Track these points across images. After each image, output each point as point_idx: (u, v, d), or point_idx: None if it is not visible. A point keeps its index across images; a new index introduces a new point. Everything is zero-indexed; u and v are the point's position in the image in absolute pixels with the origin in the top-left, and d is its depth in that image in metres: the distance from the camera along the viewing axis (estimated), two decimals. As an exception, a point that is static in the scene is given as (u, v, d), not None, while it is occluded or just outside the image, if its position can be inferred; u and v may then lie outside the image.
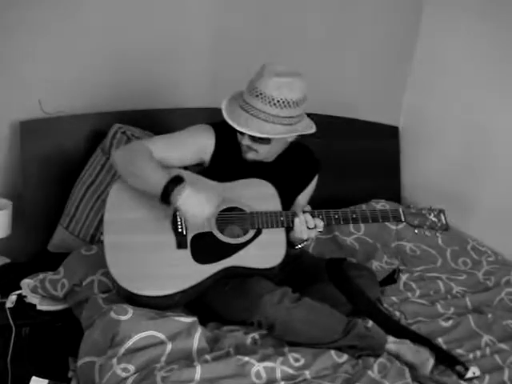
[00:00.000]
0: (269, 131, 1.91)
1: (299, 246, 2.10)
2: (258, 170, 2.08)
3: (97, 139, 2.50)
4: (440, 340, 2.06)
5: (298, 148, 2.16)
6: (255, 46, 2.77)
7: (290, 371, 1.76)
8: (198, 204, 1.86)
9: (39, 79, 2.41)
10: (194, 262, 1.91)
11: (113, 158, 1.98)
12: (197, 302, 1.99)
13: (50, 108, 2.46)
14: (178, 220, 1.93)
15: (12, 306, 2.15)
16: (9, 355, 2.06)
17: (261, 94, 1.88)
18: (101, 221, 2.30)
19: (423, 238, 2.67)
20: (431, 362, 1.88)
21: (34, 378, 1.77)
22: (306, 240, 2.07)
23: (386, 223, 2.78)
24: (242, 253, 1.96)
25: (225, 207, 2.00)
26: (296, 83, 1.90)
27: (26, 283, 2.20)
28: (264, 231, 2.00)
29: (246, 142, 1.98)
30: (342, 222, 2.05)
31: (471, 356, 1.99)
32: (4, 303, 2.16)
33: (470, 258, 2.72)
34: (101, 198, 2.37)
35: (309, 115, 2.06)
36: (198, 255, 1.92)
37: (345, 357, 1.88)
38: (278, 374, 1.74)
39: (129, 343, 1.73)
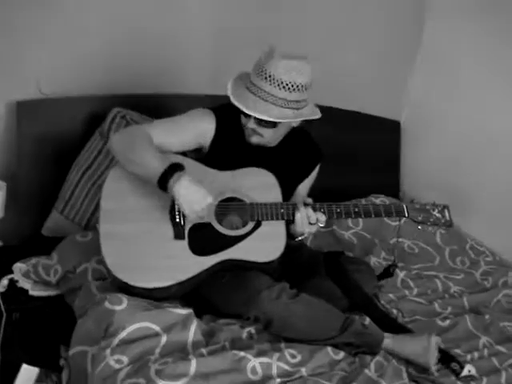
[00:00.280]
0: (276, 115, 1.87)
1: (299, 239, 2.06)
2: (259, 156, 2.04)
3: (95, 122, 2.45)
4: (437, 340, 2.04)
5: (300, 135, 2.12)
6: (258, 34, 2.67)
7: (286, 368, 1.73)
8: (194, 193, 1.80)
9: (38, 60, 2.35)
10: (192, 254, 1.87)
11: (110, 143, 1.92)
12: (193, 294, 1.95)
13: (47, 89, 2.40)
14: (176, 210, 1.88)
15: (3, 290, 2.10)
16: (-1, 341, 2.02)
17: (269, 76, 1.83)
18: (97, 206, 2.26)
19: (422, 235, 2.70)
20: (435, 354, 1.86)
21: (24, 366, 1.73)
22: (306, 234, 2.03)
23: (385, 219, 2.75)
24: (240, 245, 1.91)
25: (224, 197, 1.96)
26: (305, 67, 1.86)
27: (18, 267, 2.15)
28: (264, 223, 1.96)
29: (251, 125, 1.93)
30: (343, 216, 2.00)
31: (469, 357, 1.97)
32: (-5, 287, 2.11)
33: (468, 258, 2.70)
34: (97, 183, 2.32)
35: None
36: (195, 247, 1.88)
37: (341, 354, 1.85)
38: (274, 371, 1.70)
39: (123, 334, 1.69)
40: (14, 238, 2.39)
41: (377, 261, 2.51)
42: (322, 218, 1.96)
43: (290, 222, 1.99)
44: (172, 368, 1.60)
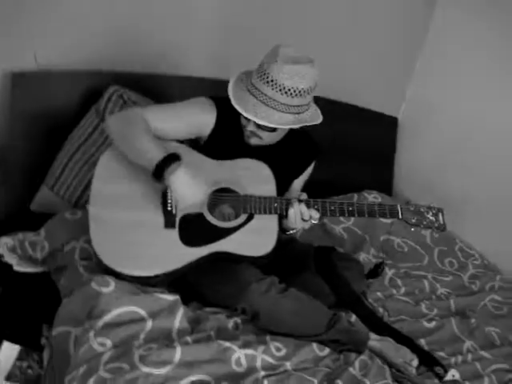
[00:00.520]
0: (277, 120, 1.82)
1: (290, 233, 2.05)
2: (256, 150, 2.01)
3: (91, 99, 2.40)
4: (422, 341, 2.05)
5: (297, 131, 2.08)
6: (263, 22, 2.67)
7: (271, 361, 1.72)
8: (189, 187, 1.78)
9: (37, 31, 2.29)
10: (181, 244, 1.84)
11: (107, 124, 1.88)
12: (181, 280, 1.92)
13: (45, 61, 2.34)
14: (169, 198, 1.84)
15: (-13, 264, 2.07)
16: (-20, 316, 1.99)
17: (272, 81, 1.78)
18: (87, 185, 2.23)
19: (412, 234, 2.70)
20: (415, 362, 1.86)
21: (5, 343, 1.70)
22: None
23: (377, 215, 2.73)
24: (231, 238, 1.89)
25: (218, 187, 1.93)
26: (309, 71, 1.80)
27: (4, 242, 2.10)
28: (256, 216, 1.93)
29: (250, 127, 1.90)
30: (337, 214, 1.97)
31: (453, 360, 1.98)
32: (-21, 262, 2.07)
33: (457, 260, 2.70)
34: (90, 161, 2.28)
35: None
36: (185, 237, 1.85)
37: (326, 350, 1.84)
38: (259, 363, 1.69)
39: (108, 317, 1.67)
40: (2, 212, 2.34)
41: (366, 257, 2.50)
42: (316, 215, 1.93)
43: (282, 217, 1.96)
44: (156, 355, 1.58)
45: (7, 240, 2.11)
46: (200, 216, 1.89)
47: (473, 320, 2.21)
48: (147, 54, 2.53)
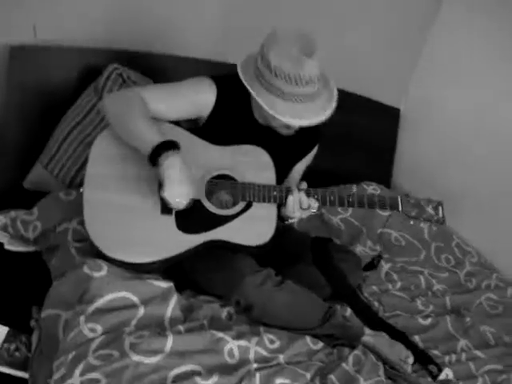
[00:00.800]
0: (321, 110, 1.81)
1: (288, 222, 2.01)
2: (256, 134, 1.96)
3: (90, 76, 2.34)
4: (417, 338, 2.02)
5: None
6: (268, 5, 2.60)
7: (264, 353, 1.69)
8: (180, 177, 1.70)
9: (38, 3, 2.22)
10: (178, 231, 1.80)
11: (103, 104, 1.81)
12: (175, 266, 1.89)
13: (44, 36, 2.28)
14: None
15: (-23, 242, 2.02)
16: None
17: (301, 78, 1.73)
18: (82, 165, 2.18)
19: (410, 228, 2.67)
20: (411, 360, 1.83)
21: (-7, 324, 1.67)
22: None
23: (375, 208, 2.70)
24: (229, 226, 1.85)
25: (216, 174, 1.89)
26: (319, 49, 1.76)
27: (-4, 219, 2.07)
28: (255, 205, 1.89)
29: (282, 122, 1.85)
30: (336, 205, 1.94)
31: (446, 359, 1.95)
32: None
33: (454, 256, 2.67)
34: (86, 141, 2.23)
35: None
36: (182, 223, 1.81)
37: (320, 344, 1.81)
38: (252, 355, 1.66)
39: (99, 302, 1.63)
40: (-6, 189, 2.30)
41: (362, 250, 2.46)
42: (315, 204, 1.90)
43: (281, 205, 1.93)
44: (147, 343, 1.55)
45: (-1, 217, 2.06)
46: (198, 202, 1.84)
47: (468, 319, 2.18)
48: (149, 33, 2.47)
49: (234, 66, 1.86)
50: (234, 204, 1.89)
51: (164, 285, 1.76)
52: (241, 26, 2.56)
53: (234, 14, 2.60)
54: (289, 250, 2.10)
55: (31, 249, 2.04)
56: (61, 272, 1.79)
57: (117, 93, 1.96)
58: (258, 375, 1.60)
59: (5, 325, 1.72)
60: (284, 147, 2.01)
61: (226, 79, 1.89)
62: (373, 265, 2.39)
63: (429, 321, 2.13)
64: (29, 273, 1.99)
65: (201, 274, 1.87)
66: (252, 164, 1.94)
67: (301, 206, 1.88)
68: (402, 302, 2.21)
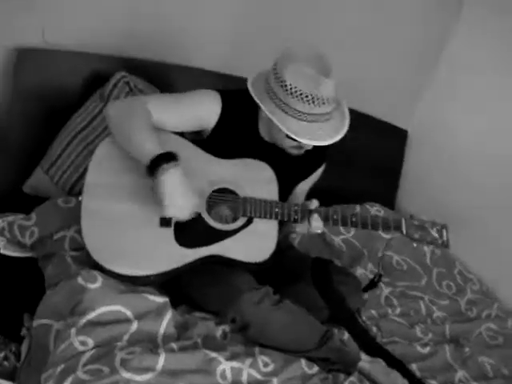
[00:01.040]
0: (337, 128, 1.80)
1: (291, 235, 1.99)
2: (260, 150, 1.93)
3: (97, 83, 2.31)
4: (414, 366, 1.97)
5: None
6: (280, 22, 2.59)
7: (258, 376, 1.64)
8: (180, 190, 1.67)
9: (48, 7, 2.20)
10: (176, 244, 1.77)
11: (107, 111, 1.78)
12: (172, 281, 1.85)
13: (52, 40, 2.26)
14: None
15: (-27, 244, 1.99)
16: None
17: (320, 98, 1.71)
18: (83, 173, 2.14)
19: (412, 252, 2.63)
20: None
21: (-17, 331, 1.63)
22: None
23: (378, 230, 2.66)
24: (228, 241, 1.82)
25: (218, 187, 1.86)
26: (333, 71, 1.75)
27: (-7, 223, 2.03)
28: (255, 220, 1.86)
29: (293, 143, 1.84)
30: (339, 224, 1.91)
31: (443, 390, 1.91)
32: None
33: (455, 283, 2.63)
34: (88, 149, 2.20)
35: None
36: (180, 237, 1.78)
37: (315, 369, 1.76)
38: (245, 377, 1.62)
39: (91, 315, 1.60)
40: (-6, 191, 2.27)
41: (363, 273, 2.43)
42: (321, 225, 1.88)
43: (282, 223, 1.90)
44: (139, 360, 1.51)
45: (-4, 221, 2.03)
46: (197, 216, 1.81)
47: (467, 349, 2.14)
48: (159, 42, 2.44)
49: (244, 79, 1.84)
50: (235, 219, 1.86)
51: (159, 300, 1.72)
52: (253, 41, 2.53)
53: (246, 29, 2.58)
54: (288, 269, 2.06)
55: (27, 254, 2.01)
56: (55, 281, 1.76)
57: (121, 101, 1.93)
58: (250, 399, 1.56)
59: (-4, 332, 1.68)
60: (288, 165, 1.98)
61: (233, 94, 1.87)
62: (373, 283, 2.33)
63: (427, 349, 2.09)
64: (23, 279, 1.96)
65: (196, 288, 1.84)
66: (254, 179, 1.91)
67: (312, 228, 1.87)
68: (401, 328, 2.17)
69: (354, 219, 1.91)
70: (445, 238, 1.97)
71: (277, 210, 1.86)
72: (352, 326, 2.00)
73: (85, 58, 2.32)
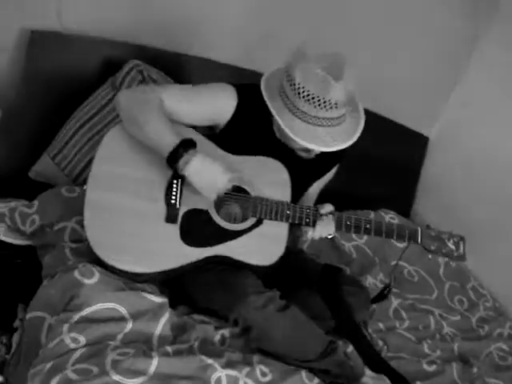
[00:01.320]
0: (351, 133, 1.72)
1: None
2: (274, 148, 1.85)
3: (110, 70, 2.26)
4: (419, 384, 1.89)
5: None
6: (302, 21, 2.50)
7: (254, 387, 1.57)
8: (210, 174, 1.64)
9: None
10: (181, 242, 1.70)
11: (117, 100, 1.71)
12: (175, 279, 1.79)
13: (68, 24, 2.20)
14: (174, 189, 1.69)
15: (-27, 229, 1.94)
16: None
17: (335, 104, 1.63)
18: (90, 161, 2.06)
19: (425, 263, 2.54)
20: None
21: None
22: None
23: (392, 238, 2.58)
24: (236, 242, 1.75)
25: (234, 176, 1.77)
26: (351, 75, 1.65)
27: (-4, 208, 1.98)
28: (265, 222, 1.79)
29: (301, 146, 1.75)
30: (352, 230, 1.85)
31: (449, 412, 1.83)
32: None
33: (468, 298, 2.53)
34: (97, 137, 2.13)
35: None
36: (186, 235, 1.71)
37: (315, 381, 1.68)
38: (240, 387, 1.55)
39: (86, 311, 1.54)
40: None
41: (373, 282, 2.35)
42: (332, 230, 1.83)
43: (298, 225, 1.83)
44: (130, 362, 1.44)
45: (-1, 205, 1.98)
46: (205, 214, 1.74)
47: (475, 369, 2.04)
48: (176, 32, 2.38)
49: (260, 74, 1.78)
50: (244, 219, 1.79)
51: (158, 300, 1.66)
52: (271, 36, 2.46)
53: (265, 23, 2.50)
54: (296, 274, 1.99)
55: (27, 242, 1.96)
56: (52, 272, 1.70)
57: (133, 89, 1.87)
58: (244, 410, 1.50)
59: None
60: (301, 165, 1.90)
61: (249, 89, 1.79)
62: (383, 296, 2.24)
63: (434, 367, 1.99)
64: (22, 267, 1.91)
65: (200, 289, 1.77)
66: (267, 178, 1.83)
67: (322, 233, 1.82)
68: (408, 344, 2.08)
69: (367, 226, 1.84)
70: (461, 251, 1.92)
71: (288, 212, 1.79)
72: (357, 339, 1.91)
73: (99, 44, 2.26)
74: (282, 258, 1.79)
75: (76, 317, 1.52)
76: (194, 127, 1.82)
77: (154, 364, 1.46)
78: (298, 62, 1.64)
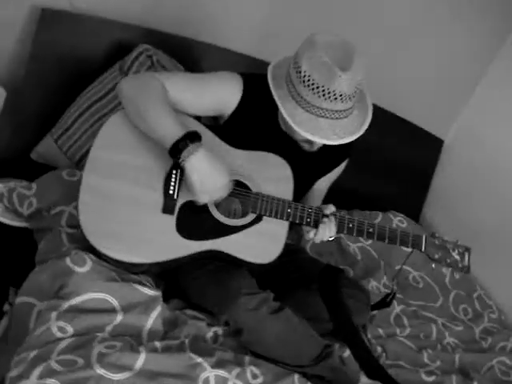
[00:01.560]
0: (356, 127, 1.65)
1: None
2: (278, 142, 1.79)
3: (119, 53, 2.20)
4: (416, 396, 1.84)
5: None
6: (319, 13, 2.43)
7: (243, 389, 1.52)
8: (211, 171, 1.58)
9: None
10: (177, 234, 1.65)
11: (120, 88, 1.65)
12: (169, 272, 1.75)
13: (80, 3, 2.15)
14: (173, 179, 1.64)
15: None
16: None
17: (341, 95, 1.56)
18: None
19: (432, 269, 2.47)
20: None
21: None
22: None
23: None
24: (233, 238, 1.70)
25: (234, 178, 1.73)
26: (360, 65, 1.57)
27: (-6, 187, 1.94)
28: (265, 219, 1.74)
29: (303, 137, 1.68)
30: (354, 234, 1.79)
31: (445, 426, 1.77)
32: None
33: (472, 308, 2.47)
34: (102, 121, 2.08)
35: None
36: (183, 227, 1.66)
37: (308, 386, 1.64)
38: (229, 389, 1.50)
39: (75, 300, 1.50)
40: (2, 154, 2.17)
41: (376, 286, 2.29)
42: (333, 232, 1.77)
43: (293, 224, 1.77)
44: (117, 357, 1.40)
45: (-2, 185, 1.94)
46: (203, 207, 1.69)
47: (475, 383, 1.98)
48: (188, 18, 2.31)
49: (271, 65, 1.71)
50: (243, 215, 1.74)
51: (150, 292, 1.61)
52: (285, 26, 2.39)
53: (279, 13, 2.44)
54: (296, 273, 1.94)
55: (24, 225, 1.92)
56: (45, 257, 1.67)
57: (136, 77, 1.80)
58: (231, 413, 1.45)
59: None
60: (307, 160, 1.85)
61: (257, 79, 1.72)
62: (385, 303, 2.17)
63: (432, 378, 1.93)
64: (17, 250, 1.87)
65: (193, 285, 1.72)
66: (270, 174, 1.78)
67: (326, 235, 1.76)
68: (408, 352, 2.02)
69: (370, 230, 1.79)
70: (466, 263, 1.87)
71: (289, 210, 1.74)
72: (355, 343, 1.85)
73: (109, 26, 2.21)
74: (281, 256, 1.74)
75: (65, 305, 1.48)
76: (198, 118, 1.77)
77: (140, 359, 1.42)
78: (307, 49, 1.57)
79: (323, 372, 1.68)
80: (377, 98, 2.52)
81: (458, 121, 3.02)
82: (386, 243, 1.81)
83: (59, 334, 1.44)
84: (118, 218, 1.62)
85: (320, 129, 1.60)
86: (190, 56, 2.28)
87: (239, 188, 1.73)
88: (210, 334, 1.66)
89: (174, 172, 1.63)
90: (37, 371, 1.33)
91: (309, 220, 1.76)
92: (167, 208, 1.65)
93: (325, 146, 1.76)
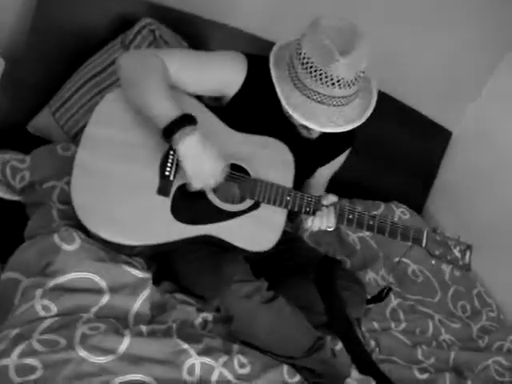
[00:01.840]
0: (354, 117, 1.59)
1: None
2: (280, 126, 1.73)
3: (122, 27, 2.14)
4: (407, 392, 1.80)
5: None
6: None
7: (229, 377, 1.48)
8: (203, 157, 1.52)
9: None
10: (171, 217, 1.60)
11: (118, 62, 1.60)
12: (161, 255, 1.71)
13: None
14: (169, 160, 1.59)
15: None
16: None
17: (338, 81, 1.50)
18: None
19: (432, 264, 2.42)
20: None
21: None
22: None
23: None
24: (229, 223, 1.65)
25: (229, 163, 1.67)
26: (364, 50, 1.51)
27: (-12, 159, 1.90)
28: (263, 206, 1.69)
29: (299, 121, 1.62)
30: (354, 226, 1.74)
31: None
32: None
33: (471, 305, 2.41)
34: (100, 95, 2.02)
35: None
36: (177, 210, 1.61)
37: (297, 378, 1.60)
38: (214, 377, 1.46)
39: (61, 279, 1.46)
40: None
41: (373, 278, 2.24)
42: (333, 223, 1.72)
43: (292, 212, 1.73)
44: (100, 339, 1.37)
45: (-8, 157, 1.90)
46: (200, 190, 1.64)
47: (469, 382, 1.93)
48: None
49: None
50: (241, 200, 1.69)
51: (139, 275, 1.57)
52: (294, 7, 2.31)
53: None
54: (292, 262, 1.90)
55: (16, 198, 1.88)
56: (34, 233, 1.62)
57: (136, 52, 1.75)
58: (215, 402, 1.41)
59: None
60: (309, 147, 1.79)
61: (262, 60, 1.66)
62: (380, 298, 2.12)
63: (426, 375, 1.89)
64: (9, 224, 1.82)
65: (185, 269, 1.69)
66: (270, 159, 1.73)
67: (323, 224, 1.71)
68: (402, 347, 1.98)
69: (370, 222, 1.74)
70: (467, 261, 1.82)
71: (288, 198, 1.69)
72: (348, 336, 1.82)
73: (112, -1, 2.15)
74: (278, 244, 1.70)
75: (51, 283, 1.45)
76: (200, 97, 1.71)
77: (124, 343, 1.39)
78: (309, 32, 1.52)
79: (314, 365, 1.64)
80: (385, 86, 2.49)
81: (467, 112, 2.95)
82: (386, 237, 1.76)
83: (43, 313, 1.41)
84: (111, 197, 1.57)
85: (314, 114, 1.55)
86: (194, 33, 2.21)
87: (237, 172, 1.68)
88: (198, 320, 1.62)
89: (172, 153, 1.58)
90: (18, 350, 1.30)
91: (308, 209, 1.71)
92: (162, 189, 1.60)
93: (326, 133, 1.70)
